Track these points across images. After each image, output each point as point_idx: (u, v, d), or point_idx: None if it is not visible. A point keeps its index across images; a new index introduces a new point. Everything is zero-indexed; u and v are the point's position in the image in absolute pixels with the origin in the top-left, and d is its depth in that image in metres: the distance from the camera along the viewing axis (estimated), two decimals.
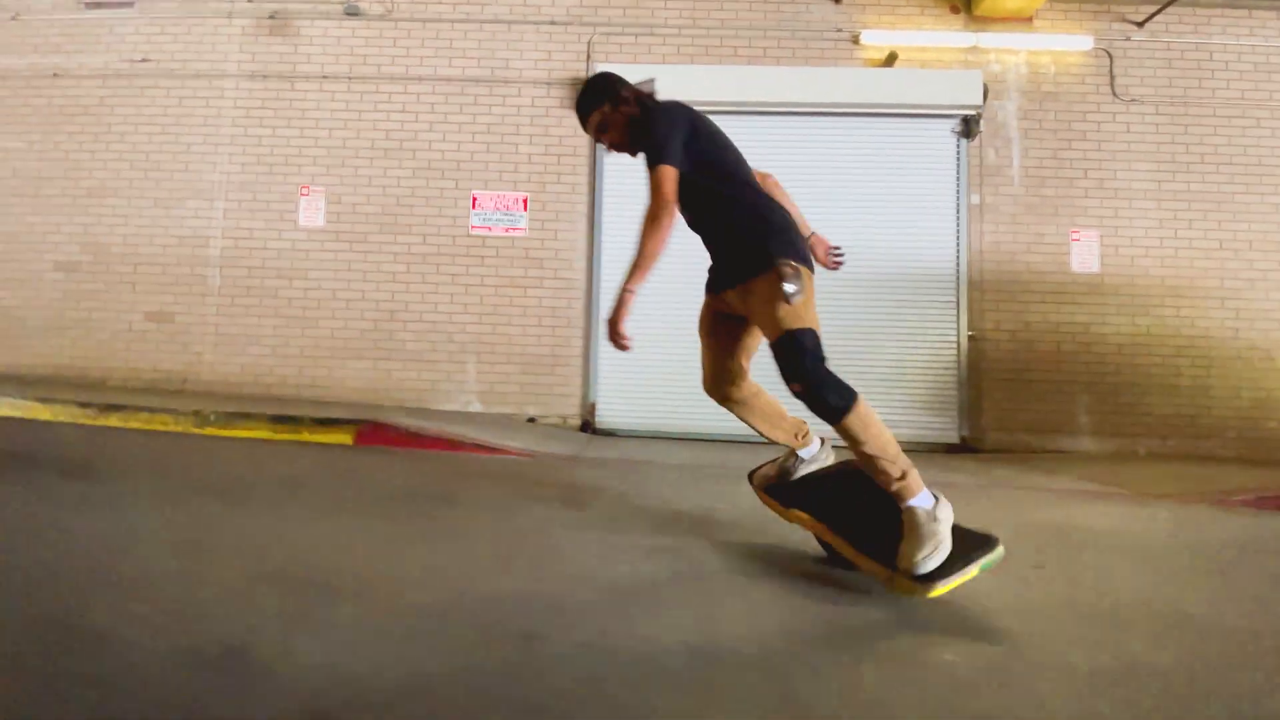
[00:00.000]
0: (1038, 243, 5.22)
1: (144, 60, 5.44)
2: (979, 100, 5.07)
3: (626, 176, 5.19)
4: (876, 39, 5.27)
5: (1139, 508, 3.06)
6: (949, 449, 5.02)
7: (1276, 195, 5.15)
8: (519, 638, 1.16)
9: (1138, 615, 1.52)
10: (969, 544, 1.41)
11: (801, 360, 1.55)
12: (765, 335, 1.67)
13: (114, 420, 3.56)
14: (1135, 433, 5.03)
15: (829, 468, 1.85)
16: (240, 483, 2.55)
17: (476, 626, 1.22)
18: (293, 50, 5.41)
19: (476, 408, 5.13)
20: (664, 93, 4.14)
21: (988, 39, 5.27)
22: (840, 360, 4.30)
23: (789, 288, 1.54)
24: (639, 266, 1.66)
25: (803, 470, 1.84)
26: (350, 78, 5.35)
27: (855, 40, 5.30)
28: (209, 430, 3.50)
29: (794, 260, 1.61)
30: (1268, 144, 5.15)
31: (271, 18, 5.39)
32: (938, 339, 5.15)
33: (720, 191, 1.75)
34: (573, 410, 5.12)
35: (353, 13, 5.24)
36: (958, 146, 5.24)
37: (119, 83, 5.47)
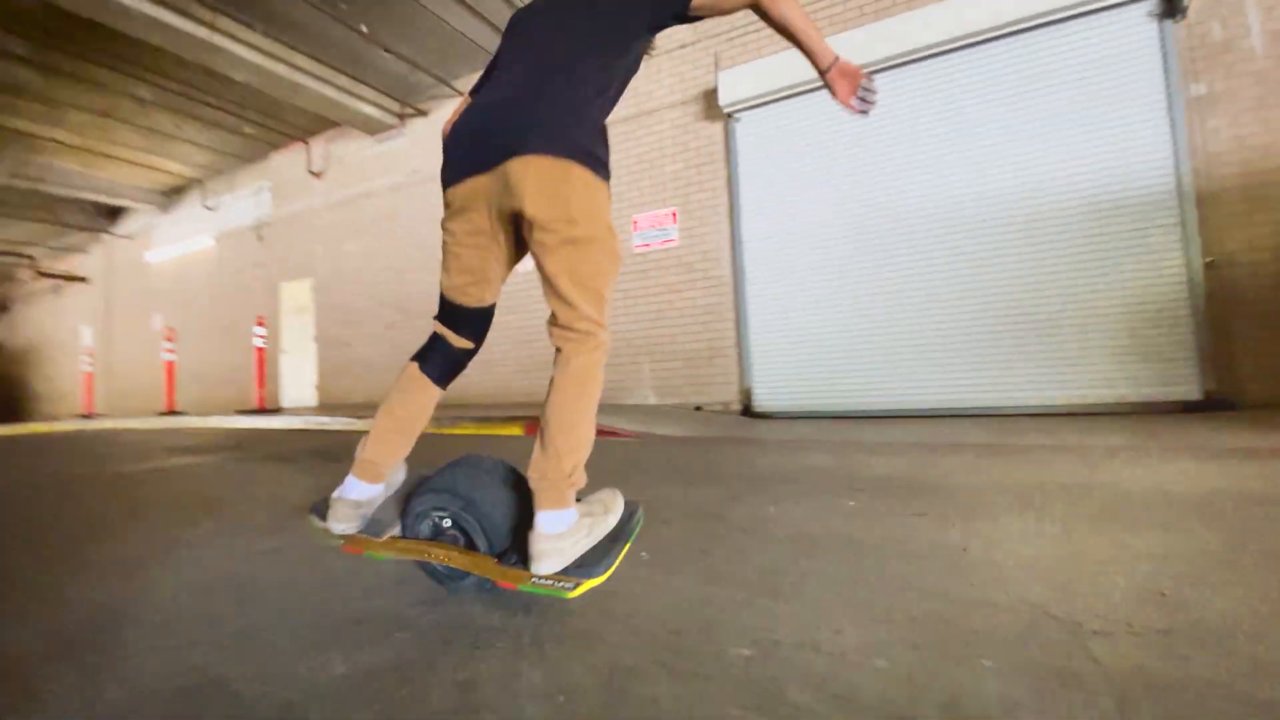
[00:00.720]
0: None
1: (414, 171, 7.63)
2: None
3: (758, 174, 5.47)
4: None
5: None
6: (1186, 408, 4.05)
7: None
8: None
9: None
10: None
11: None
12: None
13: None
14: None
15: None
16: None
17: None
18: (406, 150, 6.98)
19: (652, 400, 5.92)
20: (798, 72, 4.43)
21: None
22: (1022, 318, 3.94)
23: None
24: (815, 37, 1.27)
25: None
26: None
27: None
28: (443, 430, 4.94)
29: None
30: None
31: None
32: (1155, 273, 4.18)
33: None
34: (733, 397, 5.55)
35: None
36: (1160, 31, 4.20)
37: (403, 191, 7.75)
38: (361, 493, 1.34)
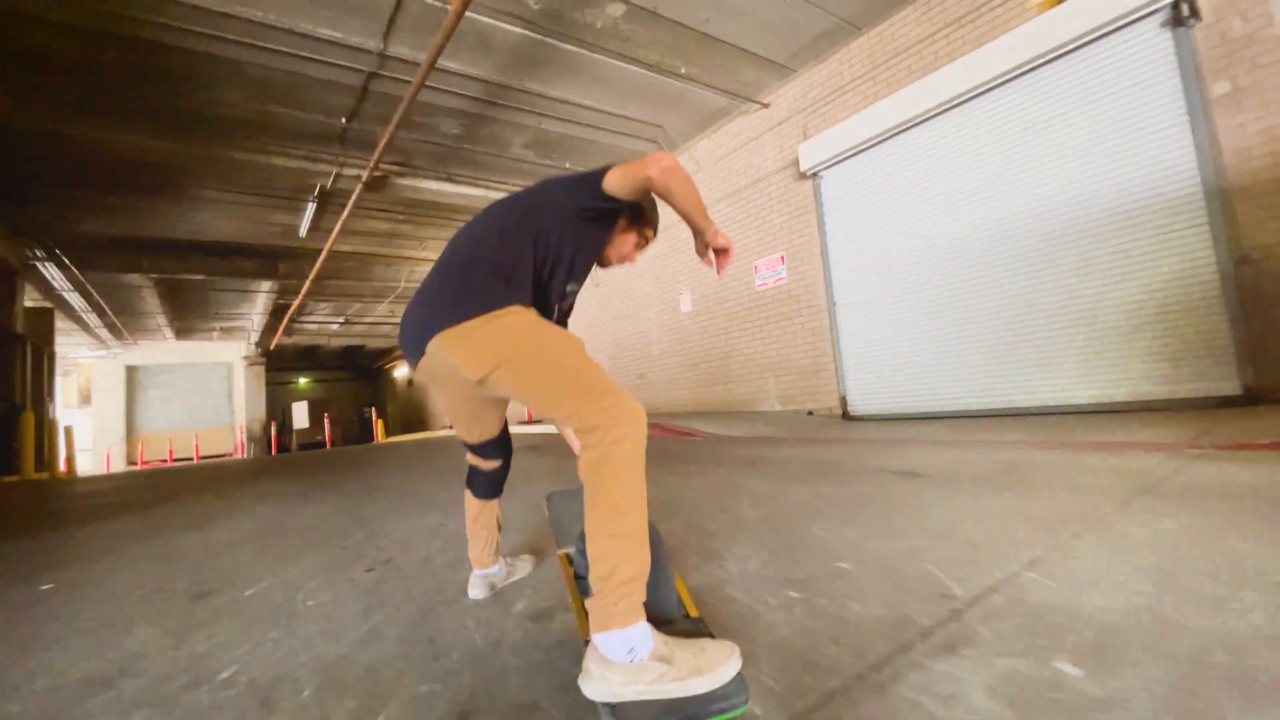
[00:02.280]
0: None
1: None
2: None
3: (840, 218, 6.65)
4: None
5: None
6: (1222, 403, 4.15)
7: None
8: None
9: None
10: None
11: None
12: None
13: None
14: None
15: None
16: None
17: None
18: (664, 207, 9.22)
19: (777, 408, 7.42)
20: (865, 130, 5.80)
21: None
22: (1062, 324, 4.77)
23: None
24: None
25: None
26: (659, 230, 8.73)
27: None
28: None
29: None
30: None
31: None
32: (1187, 273, 4.31)
33: None
34: (835, 403, 6.75)
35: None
36: (1174, 39, 4.34)
37: None
38: (484, 574, 1.73)
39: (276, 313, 16.63)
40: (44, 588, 2.17)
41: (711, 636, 1.17)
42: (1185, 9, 4.27)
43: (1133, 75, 4.55)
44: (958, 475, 2.86)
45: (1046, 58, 4.94)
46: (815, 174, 6.85)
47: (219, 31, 5.35)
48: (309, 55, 5.78)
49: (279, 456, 13.71)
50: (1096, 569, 1.56)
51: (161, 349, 20.12)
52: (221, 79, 6.08)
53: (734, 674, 1.02)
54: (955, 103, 5.56)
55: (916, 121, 5.85)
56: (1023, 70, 5.10)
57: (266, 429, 20.25)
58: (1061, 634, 1.23)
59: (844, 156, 6.49)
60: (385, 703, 1.20)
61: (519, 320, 1.29)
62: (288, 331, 18.79)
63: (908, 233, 6.03)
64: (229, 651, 1.49)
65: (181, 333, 18.82)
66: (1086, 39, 4.71)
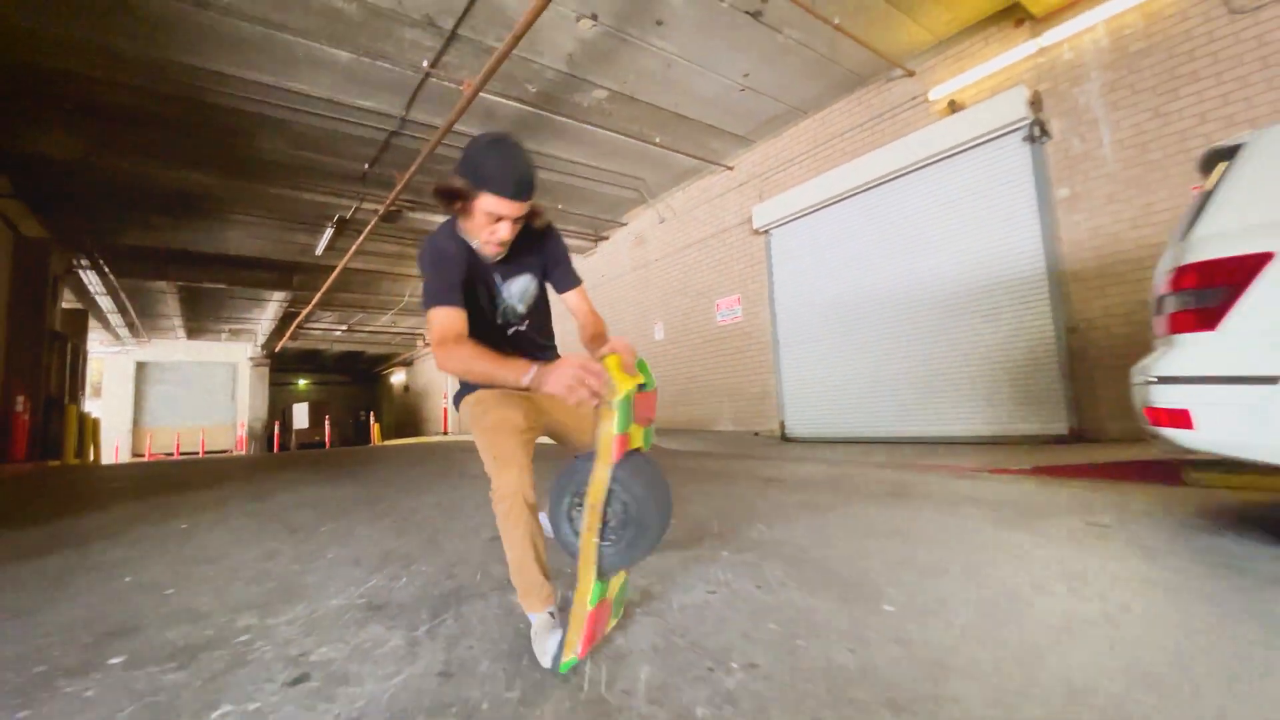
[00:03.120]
0: (1145, 216, 4.90)
1: (601, 275, 11.50)
2: (1020, 114, 5.41)
3: (785, 270, 7.81)
4: (944, 90, 6.18)
5: None
6: (1054, 440, 5.28)
7: None
8: None
9: None
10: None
11: None
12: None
13: None
14: None
15: None
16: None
17: None
18: (643, 247, 10.41)
19: (730, 428, 8.52)
20: (808, 199, 7.20)
21: (1054, 34, 5.42)
22: (947, 369, 5.95)
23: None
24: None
25: None
26: (661, 257, 9.92)
27: (928, 99, 6.35)
28: None
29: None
30: None
31: (638, 241, 10.57)
32: (1033, 337, 5.46)
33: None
34: (776, 426, 7.86)
35: (639, 242, 9.84)
36: (1031, 153, 5.53)
37: (603, 288, 11.69)
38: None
39: (285, 319, 17.70)
40: (181, 526, 3.26)
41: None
42: (1038, 130, 5.47)
43: (1002, 177, 5.74)
44: (801, 482, 3.96)
45: (942, 155, 6.13)
46: (767, 231, 8.02)
47: (268, 99, 6.51)
48: (343, 118, 6.95)
49: (281, 454, 14.71)
50: (808, 530, 2.65)
51: (172, 347, 21.15)
52: (266, 132, 7.23)
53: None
54: (877, 183, 6.74)
55: (847, 195, 7.04)
56: (925, 163, 6.28)
57: (268, 428, 21.22)
58: (770, 550, 2.31)
59: (790, 219, 7.67)
60: (407, 568, 2.28)
61: (470, 409, 1.72)
62: (293, 336, 19.86)
63: (838, 287, 7.19)
64: (337, 549, 2.57)
65: (193, 333, 19.89)
66: (970, 144, 5.90)
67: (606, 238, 11.65)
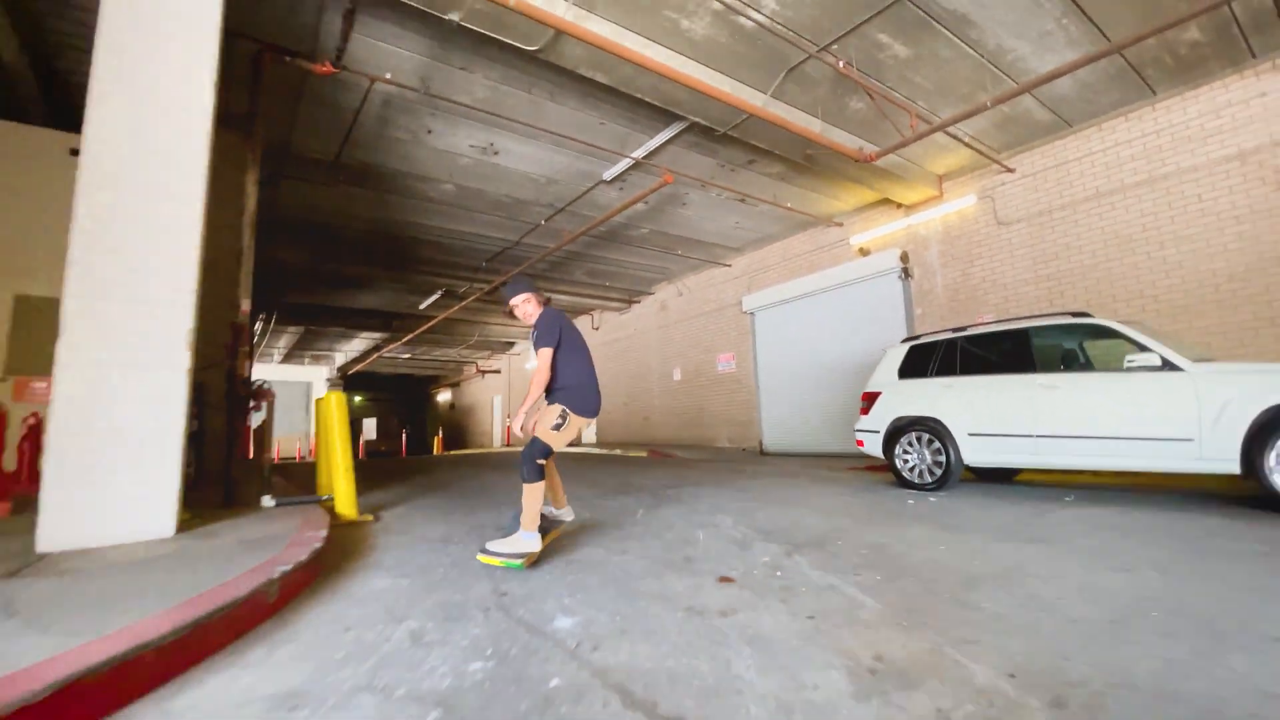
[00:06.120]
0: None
1: (635, 330, 15.42)
2: (896, 264, 9.28)
3: (765, 340, 11.69)
4: (859, 239, 10.05)
5: None
6: None
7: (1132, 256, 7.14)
8: None
9: None
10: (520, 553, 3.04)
11: (529, 450, 3.15)
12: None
13: (617, 451, 12.68)
14: None
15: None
16: (623, 467, 10.90)
17: None
18: (665, 311, 14.33)
19: (726, 445, 12.34)
20: (778, 296, 11.43)
21: (916, 218, 9.28)
22: (841, 417, 9.93)
23: (555, 420, 3.21)
24: (527, 397, 3.29)
25: (554, 518, 3.61)
26: (679, 320, 13.82)
27: (849, 242, 10.23)
28: (612, 451, 12.09)
29: (567, 408, 3.25)
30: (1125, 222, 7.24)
31: (662, 307, 14.48)
32: None
33: (565, 359, 3.40)
34: (756, 443, 11.65)
35: (663, 308, 13.79)
36: (903, 287, 9.38)
37: (623, 342, 15.60)
38: (561, 511, 3.70)
39: (368, 352, 21.69)
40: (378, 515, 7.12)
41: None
42: (905, 273, 9.32)
43: (888, 299, 9.59)
44: (756, 473, 7.73)
45: (856, 281, 10.01)
46: (752, 313, 11.91)
47: (439, 237, 10.47)
48: (478, 235, 10.91)
49: (365, 461, 18.51)
50: (738, 489, 6.41)
51: (261, 370, 25.17)
52: (425, 246, 11.19)
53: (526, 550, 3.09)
54: (819, 292, 10.62)
55: (802, 297, 10.91)
56: (846, 284, 10.16)
57: None
58: (724, 493, 6.08)
59: (768, 307, 11.55)
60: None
61: (551, 414, 3.32)
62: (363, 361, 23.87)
63: (798, 353, 11.04)
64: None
65: (287, 359, 23.93)
66: (871, 277, 9.78)
67: (639, 301, 15.56)
